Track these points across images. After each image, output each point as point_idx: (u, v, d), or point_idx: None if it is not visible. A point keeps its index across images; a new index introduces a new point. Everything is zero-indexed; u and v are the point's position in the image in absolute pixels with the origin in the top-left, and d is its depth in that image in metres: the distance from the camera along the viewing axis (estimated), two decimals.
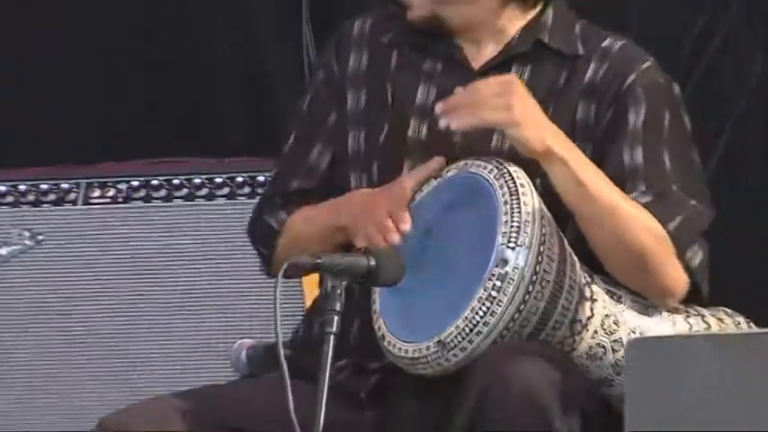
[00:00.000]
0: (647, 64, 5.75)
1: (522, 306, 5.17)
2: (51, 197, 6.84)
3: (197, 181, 6.46)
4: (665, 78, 5.80)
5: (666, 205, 5.57)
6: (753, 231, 5.64)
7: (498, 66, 5.75)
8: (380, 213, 5.35)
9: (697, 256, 5.63)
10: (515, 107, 5.35)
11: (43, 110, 8.22)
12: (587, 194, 5.46)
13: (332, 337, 4.96)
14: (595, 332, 5.31)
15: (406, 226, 5.34)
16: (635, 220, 5.54)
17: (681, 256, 5.55)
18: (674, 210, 5.57)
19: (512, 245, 5.19)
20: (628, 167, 5.60)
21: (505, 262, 5.14)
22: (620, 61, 5.73)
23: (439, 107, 5.41)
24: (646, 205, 5.55)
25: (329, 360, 4.94)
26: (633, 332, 5.33)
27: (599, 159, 5.60)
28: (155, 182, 6.62)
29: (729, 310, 5.67)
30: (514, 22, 5.72)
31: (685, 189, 5.64)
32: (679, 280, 5.52)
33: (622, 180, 5.56)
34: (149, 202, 6.68)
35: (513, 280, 5.15)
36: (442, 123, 5.39)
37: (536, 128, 5.41)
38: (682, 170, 5.67)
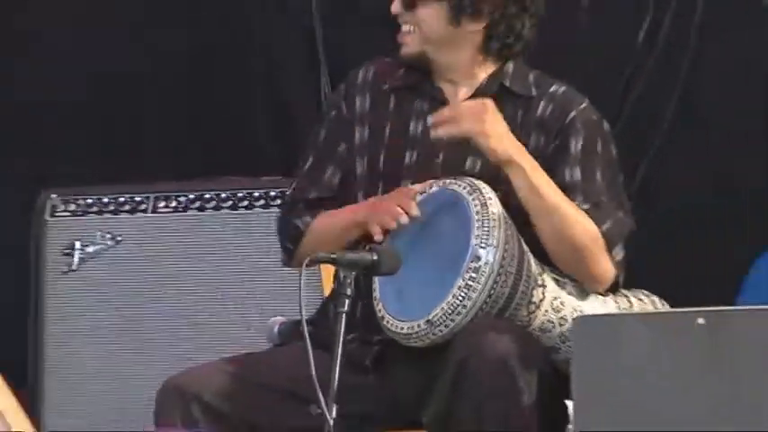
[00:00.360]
0: (583, 104, 5.97)
1: (492, 292, 5.39)
2: (127, 207, 6.95)
3: (240, 194, 6.63)
4: (597, 116, 6.02)
5: (599, 212, 5.79)
6: (663, 239, 5.82)
7: (470, 100, 5.94)
8: (392, 204, 5.58)
9: (620, 254, 5.84)
10: (487, 122, 5.64)
11: (118, 135, 8.06)
12: (538, 194, 5.70)
13: (343, 315, 5.16)
14: (546, 311, 5.54)
15: (415, 211, 5.55)
16: (575, 220, 5.77)
17: (609, 252, 5.79)
18: (605, 216, 5.79)
19: (483, 245, 5.41)
20: (569, 183, 5.82)
21: (478, 258, 5.37)
22: (563, 102, 5.93)
23: (431, 120, 5.73)
24: (583, 212, 5.80)
25: (341, 334, 5.11)
26: (575, 311, 5.57)
27: (548, 176, 5.82)
28: (207, 195, 6.80)
29: (647, 292, 5.93)
30: (484, 70, 5.91)
31: (613, 201, 5.88)
32: (608, 271, 5.76)
33: (565, 192, 5.78)
34: (203, 211, 6.83)
35: (485, 273, 5.37)
36: (433, 133, 5.71)
37: (501, 140, 5.67)
38: (610, 187, 5.91)
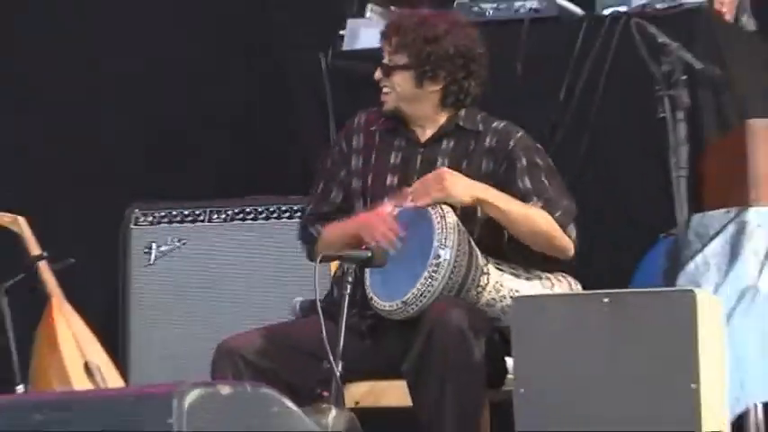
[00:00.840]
0: (520, 133, 6.03)
1: (449, 280, 5.55)
2: (190, 218, 7.06)
3: (271, 208, 6.77)
4: (531, 140, 6.08)
5: (550, 206, 5.88)
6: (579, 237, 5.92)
7: (434, 140, 6.12)
8: (384, 228, 5.67)
9: (573, 232, 5.94)
10: (447, 187, 5.74)
11: (179, 163, 7.95)
12: (506, 213, 5.82)
13: (346, 296, 5.43)
14: (490, 292, 5.66)
15: (401, 233, 5.64)
16: (535, 217, 5.86)
17: (564, 231, 5.90)
18: (555, 208, 5.89)
19: (442, 246, 5.56)
20: (524, 191, 5.90)
21: (439, 256, 5.53)
22: (504, 133, 6.00)
23: (408, 192, 5.83)
24: (545, 209, 5.87)
25: (345, 309, 5.36)
26: (512, 291, 5.64)
27: (505, 189, 5.89)
28: (247, 209, 6.91)
29: (564, 274, 5.93)
30: (443, 115, 6.02)
31: (558, 195, 5.97)
32: (568, 245, 5.90)
33: (522, 198, 5.88)
34: (244, 221, 6.94)
35: (444, 266, 5.54)
36: (410, 203, 5.82)
37: (465, 192, 5.79)
38: (554, 186, 5.99)
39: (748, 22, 6.71)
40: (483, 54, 6.06)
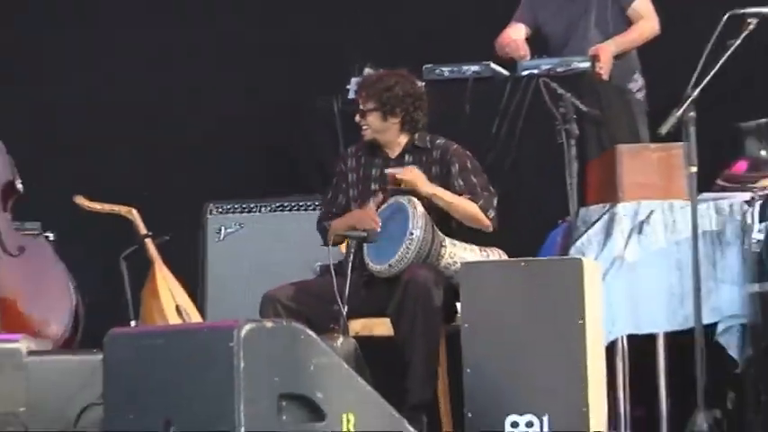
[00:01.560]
0: (455, 146, 5.93)
1: (419, 251, 5.53)
2: (246, 209, 6.92)
3: (300, 203, 6.73)
4: (462, 149, 5.95)
5: (476, 197, 5.78)
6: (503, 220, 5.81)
7: (399, 156, 6.01)
8: (369, 219, 5.71)
9: (492, 213, 5.80)
10: (416, 175, 5.75)
11: (236, 169, 7.69)
12: (448, 203, 5.78)
13: (350, 262, 5.62)
14: (446, 258, 5.63)
15: (378, 222, 5.65)
16: (468, 204, 5.79)
17: (485, 214, 5.78)
18: (479, 198, 5.79)
19: (415, 228, 5.54)
20: (458, 189, 5.84)
21: (412, 234, 5.51)
22: (444, 147, 5.91)
23: (387, 170, 5.87)
24: (470, 199, 5.79)
25: (349, 270, 5.51)
26: (461, 258, 5.54)
27: (447, 188, 5.83)
28: (286, 203, 6.82)
29: (495, 248, 5.77)
30: (403, 139, 5.93)
31: (482, 189, 5.84)
32: (489, 223, 5.77)
33: (459, 193, 5.81)
34: (284, 212, 6.77)
35: (415, 242, 5.53)
36: (392, 175, 5.86)
37: (422, 183, 5.77)
38: (480, 182, 5.87)
39: (636, 80, 6.61)
40: (424, 94, 6.03)
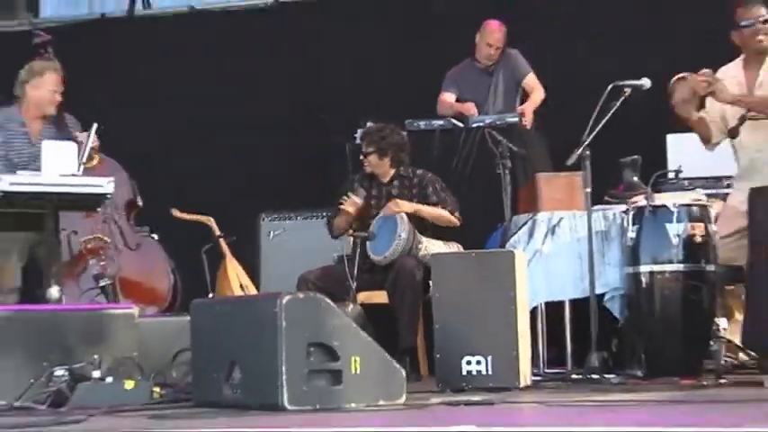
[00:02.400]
0: (429, 174, 5.79)
1: (405, 246, 5.43)
2: (286, 216, 6.79)
3: (323, 213, 6.29)
4: (435, 176, 5.81)
5: (446, 204, 5.64)
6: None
7: (389, 182, 5.85)
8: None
9: (456, 214, 5.66)
10: (399, 206, 5.61)
11: (280, 184, 7.36)
12: (429, 214, 5.64)
13: (357, 254, 5.45)
14: (422, 250, 5.48)
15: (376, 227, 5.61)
16: (441, 211, 5.65)
17: (453, 215, 5.64)
18: (447, 205, 5.64)
19: (401, 232, 5.45)
20: (434, 200, 5.66)
21: (400, 236, 5.42)
22: (421, 176, 5.75)
23: (387, 207, 5.70)
24: (442, 207, 5.65)
25: (356, 259, 5.41)
26: (433, 250, 5.39)
27: (425, 202, 5.71)
28: (314, 213, 6.61)
29: (455, 242, 5.69)
30: (392, 170, 5.79)
31: (449, 200, 5.69)
32: (456, 222, 5.64)
33: (435, 204, 5.65)
34: (313, 219, 6.59)
35: (402, 240, 5.43)
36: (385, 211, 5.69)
37: (407, 206, 5.64)
38: (447, 196, 5.72)
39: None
40: (407, 140, 5.90)
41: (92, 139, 5.15)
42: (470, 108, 6.36)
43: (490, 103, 6.44)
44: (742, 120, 4.83)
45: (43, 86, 5.36)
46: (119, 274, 5.57)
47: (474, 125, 6.06)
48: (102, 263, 5.51)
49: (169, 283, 5.95)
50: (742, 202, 4.69)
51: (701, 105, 5.00)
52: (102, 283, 5.36)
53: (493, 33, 6.47)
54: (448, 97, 6.50)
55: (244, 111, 7.45)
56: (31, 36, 5.82)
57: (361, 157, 5.88)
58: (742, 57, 4.98)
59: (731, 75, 4.98)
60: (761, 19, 4.79)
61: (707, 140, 5.10)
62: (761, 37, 4.81)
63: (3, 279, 5.43)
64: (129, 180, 5.94)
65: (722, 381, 4.37)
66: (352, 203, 5.82)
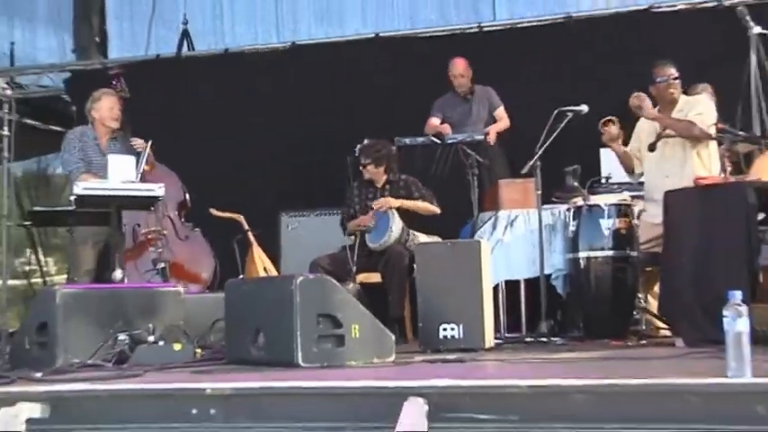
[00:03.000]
0: (412, 178, 5.71)
1: (396, 237, 5.36)
2: (302, 213, 6.70)
3: (332, 211, 6.34)
4: (416, 179, 5.73)
5: (427, 198, 5.57)
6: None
7: (383, 186, 5.75)
8: (368, 220, 5.49)
9: (436, 205, 5.60)
10: (390, 203, 5.52)
11: (296, 186, 7.21)
12: (413, 205, 5.55)
13: (357, 244, 5.44)
14: (410, 240, 5.38)
15: (372, 221, 5.50)
16: (424, 204, 5.59)
17: (433, 205, 5.57)
18: (428, 199, 5.58)
19: (392, 225, 5.38)
20: (417, 196, 5.58)
21: (392, 229, 5.36)
22: (405, 179, 5.68)
23: (377, 205, 5.60)
24: (424, 200, 5.57)
25: (356, 247, 5.41)
26: (420, 240, 5.33)
27: (410, 198, 5.61)
28: (325, 211, 6.54)
29: (434, 235, 5.52)
30: (385, 176, 5.70)
31: (428, 195, 5.61)
32: (437, 211, 5.58)
33: (418, 198, 5.58)
34: (324, 216, 6.54)
35: (393, 233, 5.37)
36: (377, 206, 5.57)
37: (395, 202, 5.55)
38: (427, 192, 5.63)
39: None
40: (396, 153, 5.83)
41: (147, 153, 5.35)
42: (446, 128, 6.30)
43: (468, 124, 6.37)
44: (658, 137, 4.92)
45: (102, 108, 5.51)
46: (171, 259, 5.54)
47: (449, 141, 6.00)
48: (158, 250, 5.43)
49: (211, 267, 5.86)
50: (654, 215, 4.73)
51: (625, 143, 5.18)
52: (158, 267, 5.37)
53: (456, 66, 6.44)
54: (434, 121, 6.42)
55: (267, 134, 7.41)
56: (105, 71, 6.21)
57: (360, 167, 5.77)
58: (657, 108, 5.01)
59: (649, 123, 5.06)
60: (672, 76, 4.92)
61: (630, 171, 5.22)
62: (671, 90, 4.93)
63: (80, 263, 5.50)
64: (181, 186, 5.92)
65: (643, 342, 4.42)
66: (359, 225, 5.71)
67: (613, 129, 5.08)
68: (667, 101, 4.98)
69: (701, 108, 4.88)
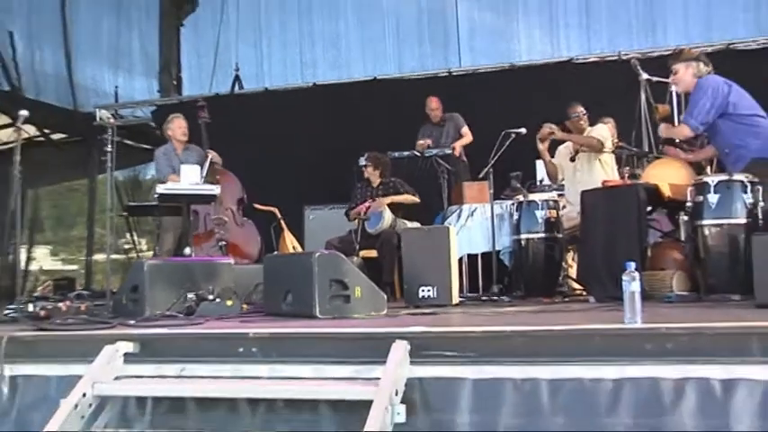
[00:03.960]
0: (399, 180, 5.57)
1: (388, 224, 5.30)
2: (320, 207, 6.57)
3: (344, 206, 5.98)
4: (402, 181, 5.60)
5: (409, 192, 5.47)
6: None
7: (378, 186, 5.62)
8: (363, 211, 5.36)
9: (417, 196, 5.49)
10: (381, 203, 5.42)
11: (319, 182, 6.88)
12: (401, 200, 5.43)
13: (359, 229, 5.37)
14: (399, 226, 5.29)
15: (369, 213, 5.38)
16: (408, 197, 5.47)
17: (415, 197, 5.47)
18: (411, 192, 5.47)
19: (384, 216, 5.33)
20: (403, 191, 5.46)
21: (383, 218, 5.31)
22: (395, 181, 5.56)
23: (371, 203, 5.44)
24: (409, 194, 5.47)
25: (359, 232, 5.34)
26: (408, 226, 5.20)
27: (397, 194, 5.48)
28: (338, 205, 6.21)
29: (415, 221, 5.44)
30: (380, 179, 5.61)
31: (410, 189, 5.50)
32: (417, 200, 5.47)
33: (403, 193, 5.47)
34: (337, 209, 6.20)
35: (385, 221, 5.31)
36: (374, 206, 5.42)
37: (384, 200, 5.44)
38: (408, 188, 5.52)
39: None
40: (389, 162, 5.73)
41: (209, 161, 5.38)
42: (424, 144, 6.23)
43: (441, 144, 6.26)
44: (576, 151, 5.07)
45: (174, 128, 5.66)
46: (230, 240, 5.53)
47: (427, 154, 5.96)
48: (222, 232, 5.46)
49: (258, 246, 5.82)
50: (571, 211, 4.75)
51: (552, 155, 5.18)
52: (220, 245, 5.39)
53: (431, 103, 6.35)
54: (420, 142, 6.32)
55: (295, 149, 7.30)
56: (183, 105, 6.58)
57: (362, 168, 5.66)
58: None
59: (564, 146, 5.19)
60: (581, 113, 5.06)
61: (554, 179, 5.25)
62: (581, 122, 5.07)
63: (163, 243, 5.60)
64: (241, 187, 5.90)
65: (566, 299, 4.39)
66: (357, 213, 5.54)
67: (544, 143, 5.09)
68: (579, 130, 5.09)
69: (596, 134, 5.02)
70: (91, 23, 7.66)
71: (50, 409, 2.51)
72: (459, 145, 6.28)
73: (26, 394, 2.70)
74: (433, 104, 6.34)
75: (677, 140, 4.23)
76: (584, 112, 5.04)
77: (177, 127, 5.65)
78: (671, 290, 3.77)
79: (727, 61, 4.67)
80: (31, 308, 3.60)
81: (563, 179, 5.24)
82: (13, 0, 6.82)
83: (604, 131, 5.03)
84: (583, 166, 5.02)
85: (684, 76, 3.88)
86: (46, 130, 7.49)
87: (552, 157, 5.18)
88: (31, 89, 7.13)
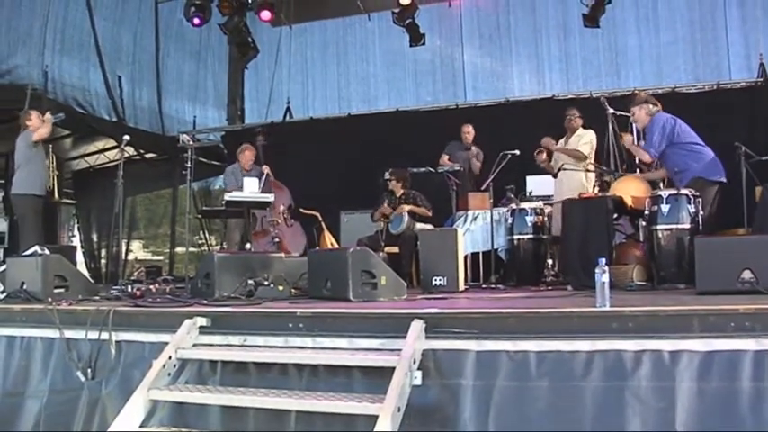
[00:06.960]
0: (418, 192, 5.36)
1: (407, 227, 5.14)
2: (349, 211, 6.25)
3: (370, 210, 5.66)
4: (419, 193, 5.41)
5: (426, 207, 5.28)
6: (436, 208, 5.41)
7: (400, 197, 5.40)
8: (387, 213, 5.23)
9: (431, 210, 5.31)
10: (403, 210, 5.23)
11: (347, 189, 6.52)
12: (420, 212, 5.25)
13: (384, 230, 5.29)
14: (415, 228, 5.11)
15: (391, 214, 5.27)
16: (424, 210, 5.26)
17: (429, 211, 5.28)
18: (425, 205, 5.29)
19: (405, 220, 5.18)
20: (420, 204, 5.26)
21: (404, 221, 5.16)
22: (414, 193, 5.30)
23: (398, 209, 5.24)
24: (424, 207, 5.29)
25: (384, 232, 5.26)
26: (418, 227, 5.08)
27: (416, 205, 5.29)
28: (366, 211, 5.81)
29: (428, 224, 5.23)
30: (402, 190, 5.41)
31: (425, 201, 5.33)
32: (429, 214, 5.28)
33: (420, 206, 5.29)
34: (365, 213, 5.75)
35: (405, 224, 5.14)
36: (398, 211, 5.22)
37: (405, 208, 5.27)
38: (426, 200, 5.34)
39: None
40: (410, 176, 5.50)
41: (265, 175, 5.48)
42: (445, 161, 6.03)
43: (468, 163, 6.06)
44: (559, 170, 4.94)
45: (243, 158, 5.69)
46: (282, 238, 5.56)
47: (440, 171, 5.82)
48: (276, 231, 5.49)
49: (303, 244, 5.81)
50: (557, 216, 4.60)
51: (550, 159, 5.10)
52: (274, 241, 5.40)
53: (466, 128, 6.06)
54: (444, 157, 6.09)
55: (333, 165, 7.14)
56: (246, 131, 6.68)
57: (387, 181, 5.51)
58: (566, 135, 5.09)
59: (554, 161, 5.08)
60: (574, 115, 5.07)
61: (555, 176, 5.03)
62: (574, 123, 5.06)
63: (230, 240, 5.63)
64: (290, 196, 5.93)
65: (549, 288, 4.31)
66: (383, 213, 5.44)
67: (542, 155, 5.05)
68: (572, 128, 5.07)
69: (586, 139, 4.96)
70: (176, 68, 8.14)
71: (145, 367, 2.65)
72: (477, 166, 6.02)
73: (128, 355, 2.82)
74: (470, 130, 6.08)
75: (637, 162, 4.39)
76: (577, 114, 5.04)
77: (246, 159, 5.66)
78: (632, 280, 3.78)
79: (672, 101, 4.73)
80: (129, 288, 3.82)
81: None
82: (122, 52, 7.30)
83: (593, 135, 5.01)
84: (567, 178, 4.91)
85: (640, 115, 4.06)
86: (141, 151, 7.80)
87: (550, 161, 5.09)
88: (131, 119, 7.45)
